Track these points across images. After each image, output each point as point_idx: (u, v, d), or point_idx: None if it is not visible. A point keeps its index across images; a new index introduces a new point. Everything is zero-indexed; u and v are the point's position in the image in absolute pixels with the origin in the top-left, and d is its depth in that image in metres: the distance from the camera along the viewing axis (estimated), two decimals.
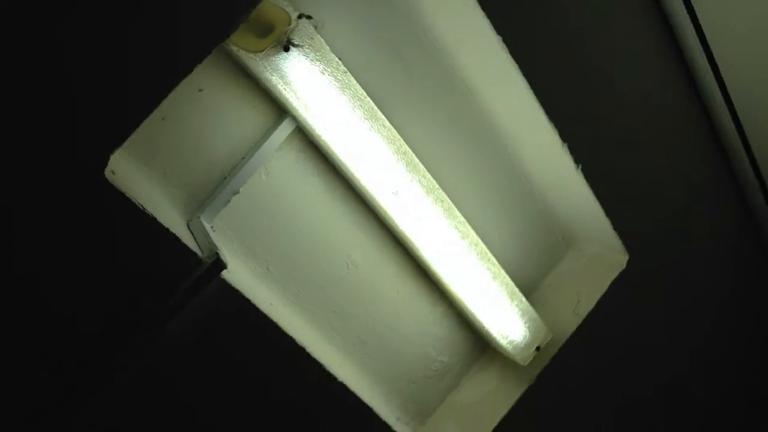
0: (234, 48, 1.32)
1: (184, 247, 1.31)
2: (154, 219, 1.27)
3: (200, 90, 1.42)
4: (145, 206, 1.25)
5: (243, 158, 1.50)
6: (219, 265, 1.32)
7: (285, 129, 1.50)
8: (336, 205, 1.66)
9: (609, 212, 1.88)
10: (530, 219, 2.03)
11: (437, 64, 1.72)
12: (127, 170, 1.36)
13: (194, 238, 1.40)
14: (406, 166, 1.51)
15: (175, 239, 1.29)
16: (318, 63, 1.34)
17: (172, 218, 1.38)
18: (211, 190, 1.49)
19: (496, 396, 1.94)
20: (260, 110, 1.50)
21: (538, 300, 2.07)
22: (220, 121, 1.47)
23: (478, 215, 1.90)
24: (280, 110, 1.51)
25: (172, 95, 1.35)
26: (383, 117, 1.46)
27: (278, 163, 1.56)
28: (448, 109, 1.77)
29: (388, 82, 1.65)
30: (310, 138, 1.54)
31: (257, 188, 1.55)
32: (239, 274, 1.53)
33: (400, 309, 1.86)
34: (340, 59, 1.37)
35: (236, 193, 1.49)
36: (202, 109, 1.44)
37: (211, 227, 1.48)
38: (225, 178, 1.49)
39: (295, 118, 1.49)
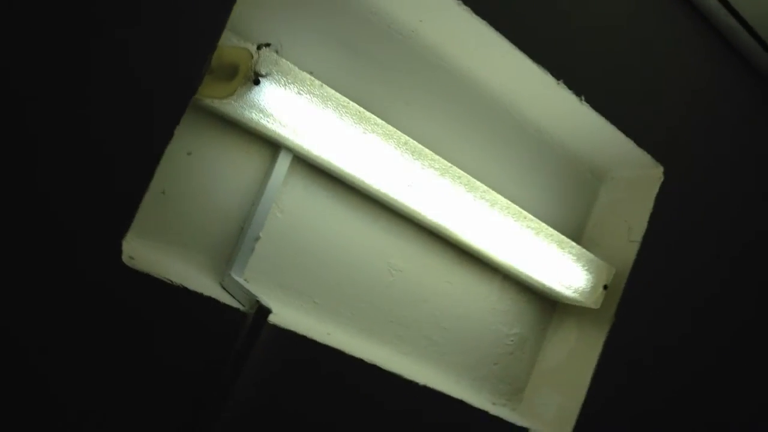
0: (207, 100, 1.31)
1: (225, 307, 1.29)
2: (186, 289, 1.25)
3: (189, 153, 1.41)
4: (172, 280, 1.24)
5: (253, 204, 1.48)
6: (263, 311, 1.30)
7: (283, 162, 1.48)
8: (358, 217, 1.64)
9: (627, 131, 1.84)
10: (553, 167, 1.99)
11: (410, 51, 1.70)
12: (145, 252, 1.35)
13: (232, 296, 1.38)
14: (412, 155, 1.48)
15: (212, 301, 1.28)
16: (291, 85, 1.32)
17: (203, 284, 1.37)
18: (234, 245, 1.47)
19: (582, 348, 1.90)
20: (254, 152, 1.49)
21: (589, 242, 2.03)
22: (219, 176, 1.46)
23: (502, 180, 1.86)
24: (273, 145, 1.49)
25: (164, 167, 1.36)
26: (372, 116, 1.43)
27: (289, 197, 1.54)
28: (435, 89, 1.74)
29: (367, 82, 1.63)
30: (311, 162, 1.52)
31: (277, 228, 1.53)
32: (288, 317, 1.51)
33: (457, 297, 1.82)
34: (311, 73, 1.34)
35: (258, 239, 1.47)
36: (197, 171, 1.43)
37: (245, 279, 1.46)
38: (242, 228, 1.47)
39: (289, 148, 1.47)
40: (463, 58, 1.72)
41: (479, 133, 1.83)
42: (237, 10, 1.30)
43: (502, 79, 1.77)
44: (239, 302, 1.35)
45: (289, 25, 1.50)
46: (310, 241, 1.58)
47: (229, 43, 1.32)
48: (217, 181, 1.45)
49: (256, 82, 1.28)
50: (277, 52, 1.30)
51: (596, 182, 2.09)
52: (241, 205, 1.48)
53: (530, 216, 1.68)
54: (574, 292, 1.80)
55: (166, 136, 1.21)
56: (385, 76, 1.65)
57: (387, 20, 1.64)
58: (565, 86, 1.70)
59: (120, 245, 1.18)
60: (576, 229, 2.05)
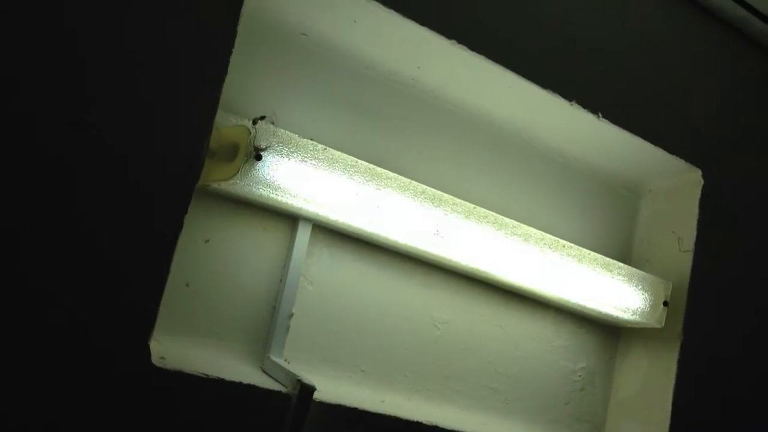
0: (214, 184, 1.29)
1: (266, 392, 1.25)
2: (222, 380, 1.21)
3: (206, 241, 1.39)
4: (208, 373, 1.20)
5: (280, 281, 1.44)
6: (306, 389, 1.25)
7: (304, 233, 1.45)
8: (392, 276, 1.59)
9: (654, 140, 1.78)
10: (586, 190, 1.92)
11: (414, 99, 1.67)
12: (178, 349, 1.32)
13: (275, 379, 1.34)
14: (432, 202, 1.44)
15: (252, 389, 1.23)
16: (294, 154, 1.30)
17: (243, 372, 1.33)
18: (268, 326, 1.43)
19: (656, 371, 1.80)
20: (272, 228, 1.46)
21: (640, 259, 1.95)
22: (241, 258, 1.43)
23: (534, 213, 1.80)
24: (290, 218, 1.46)
25: (183, 258, 1.34)
26: (384, 170, 1.40)
27: (316, 268, 1.50)
28: (447, 132, 1.71)
29: (375, 138, 1.60)
30: (331, 228, 1.48)
31: (309, 301, 1.49)
32: (337, 391, 1.45)
33: (510, 339, 1.75)
34: (311, 139, 1.32)
35: (291, 315, 1.43)
36: (218, 257, 1.40)
37: (285, 360, 1.41)
38: (274, 308, 1.43)
39: (307, 218, 1.44)
40: (469, 95, 1.69)
41: (501, 169, 1.78)
42: (228, 87, 1.30)
43: (512, 111, 1.73)
44: (282, 385, 1.30)
45: (284, 92, 1.49)
46: (346, 309, 1.53)
47: (227, 123, 1.31)
48: (239, 264, 1.42)
49: (258, 158, 1.26)
50: (273, 123, 1.28)
51: (634, 198, 2.01)
52: (268, 285, 1.45)
53: (569, 244, 1.61)
54: (633, 315, 1.71)
55: (176, 229, 1.19)
56: (393, 129, 1.63)
57: (385, 73, 1.62)
58: (579, 106, 1.65)
59: (148, 348, 1.15)
60: (623, 249, 1.96)
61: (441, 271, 1.65)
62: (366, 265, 1.56)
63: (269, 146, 1.27)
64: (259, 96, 1.46)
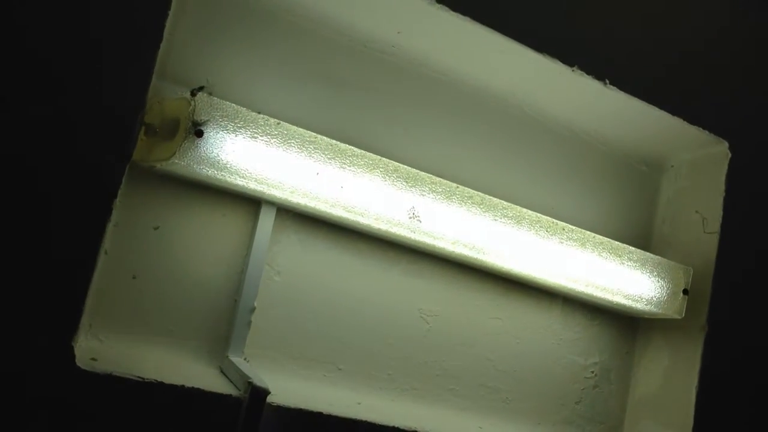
0: (158, 165, 1.16)
1: (214, 396, 1.11)
2: (160, 383, 1.08)
3: (156, 228, 1.26)
4: (144, 376, 1.07)
5: (242, 271, 1.31)
6: (258, 393, 1.12)
7: (267, 218, 1.32)
8: (373, 264, 1.45)
9: (673, 109, 1.60)
10: (599, 167, 1.75)
11: (395, 68, 1.52)
12: (121, 349, 1.20)
13: (231, 381, 1.20)
14: (406, 182, 1.28)
15: (195, 393, 1.10)
16: (242, 129, 1.16)
17: (195, 373, 1.20)
18: (229, 321, 1.30)
19: (678, 366, 1.64)
20: (231, 213, 1.33)
21: (661, 242, 1.78)
22: (197, 247, 1.30)
23: (538, 194, 1.64)
24: (253, 202, 1.33)
25: (129, 247, 1.22)
26: (349, 147, 1.25)
27: (284, 257, 1.37)
28: (434, 105, 1.56)
29: (353, 114, 1.45)
30: (297, 211, 1.34)
31: (275, 293, 1.35)
32: (307, 392, 1.32)
33: (511, 333, 1.59)
34: (259, 113, 1.18)
35: (253, 310, 1.30)
36: (170, 245, 1.28)
37: (245, 359, 1.28)
38: (236, 301, 1.30)
39: (270, 202, 1.30)
40: (458, 63, 1.52)
41: (499, 145, 1.61)
42: (179, 57, 1.17)
43: (508, 79, 1.56)
44: (237, 388, 1.17)
45: (243, 62, 1.35)
46: (320, 301, 1.39)
47: (175, 95, 1.18)
48: (195, 253, 1.29)
49: (199, 134, 1.12)
50: (210, 93, 1.14)
51: (654, 174, 1.83)
52: (228, 275, 1.31)
53: (569, 226, 1.45)
54: (647, 304, 1.53)
55: (104, 214, 1.06)
56: (372, 103, 1.47)
57: (360, 39, 1.46)
58: (582, 72, 1.48)
59: (71, 348, 1.03)
60: (642, 231, 1.79)
61: (429, 259, 1.49)
62: (341, 252, 1.41)
63: (207, 119, 1.13)
64: (215, 67, 1.32)
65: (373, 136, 1.45)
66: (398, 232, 1.31)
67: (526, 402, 1.60)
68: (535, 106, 1.64)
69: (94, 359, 1.08)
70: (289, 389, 1.29)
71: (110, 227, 1.18)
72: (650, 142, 1.74)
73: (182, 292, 1.28)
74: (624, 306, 1.56)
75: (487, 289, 1.56)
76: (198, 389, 1.11)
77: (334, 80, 1.44)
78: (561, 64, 1.46)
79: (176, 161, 1.13)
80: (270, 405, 1.15)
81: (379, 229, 1.32)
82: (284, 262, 1.36)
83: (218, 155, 1.15)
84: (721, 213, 1.62)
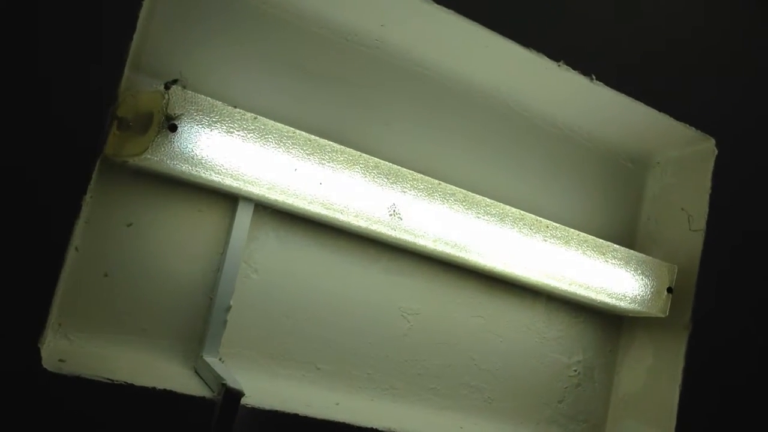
0: (131, 160, 1.12)
1: (186, 398, 1.08)
2: (131, 385, 1.05)
3: (129, 225, 1.23)
4: (114, 378, 1.04)
5: (218, 269, 1.27)
6: (232, 395, 1.09)
7: (244, 214, 1.28)
8: (352, 262, 1.42)
9: (660, 105, 1.58)
10: (583, 164, 1.73)
11: (378, 62, 1.49)
12: (91, 349, 1.17)
13: (204, 382, 1.18)
14: (387, 178, 1.25)
15: (167, 395, 1.07)
16: (218, 124, 1.13)
17: (167, 374, 1.17)
18: (204, 320, 1.27)
19: (662, 365, 1.62)
20: (207, 209, 1.29)
21: (647, 240, 1.75)
22: (171, 244, 1.27)
23: (523, 191, 1.62)
24: (231, 198, 1.29)
25: (102, 243, 1.19)
26: (328, 142, 1.22)
27: (261, 254, 1.33)
28: (417, 100, 1.53)
29: (333, 109, 1.42)
30: (276, 207, 1.31)
31: (253, 291, 1.32)
32: (284, 392, 1.29)
33: (494, 331, 1.57)
34: (235, 107, 1.14)
35: (229, 308, 1.26)
36: (143, 242, 1.24)
37: (219, 359, 1.25)
38: (211, 299, 1.27)
39: (247, 198, 1.27)
40: (442, 57, 1.49)
41: (482, 142, 1.58)
42: (154, 49, 1.13)
43: (493, 74, 1.53)
44: (211, 389, 1.14)
45: (221, 56, 1.31)
46: (298, 299, 1.36)
47: (150, 88, 1.14)
48: (169, 250, 1.26)
49: (172, 128, 1.09)
50: (184, 87, 1.10)
51: (640, 171, 1.81)
52: (204, 273, 1.28)
53: (553, 224, 1.42)
54: (631, 303, 1.51)
55: (73, 211, 1.03)
56: (354, 98, 1.44)
57: (343, 32, 1.43)
58: (568, 67, 1.45)
59: (37, 349, 0.99)
60: (627, 229, 1.77)
61: (409, 256, 1.47)
62: (320, 249, 1.38)
63: (181, 114, 1.09)
64: (191, 59, 1.28)
65: (354, 132, 1.42)
66: (379, 230, 1.28)
67: (509, 401, 1.57)
68: (520, 102, 1.62)
69: (62, 360, 1.05)
70: (267, 390, 1.27)
71: (81, 224, 1.15)
72: (636, 139, 1.72)
73: (156, 290, 1.24)
74: (608, 305, 1.54)
75: (469, 287, 1.53)
76: (170, 391, 1.08)
77: (314, 74, 1.40)
78: (547, 59, 1.43)
79: (149, 156, 1.09)
80: (244, 407, 1.12)
81: (359, 226, 1.29)
82: (262, 260, 1.33)
83: (193, 150, 1.12)
84: (707, 210, 1.60)
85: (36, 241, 1.00)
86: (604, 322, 1.71)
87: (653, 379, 1.62)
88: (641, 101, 1.54)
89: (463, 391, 1.52)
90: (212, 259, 1.29)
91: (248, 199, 1.27)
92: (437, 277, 1.50)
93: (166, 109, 1.09)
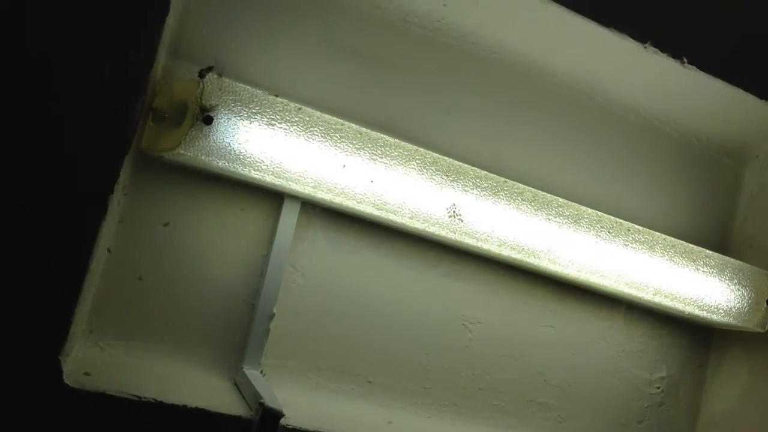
0: (165, 155, 1.03)
1: (219, 417, 0.99)
2: (160, 403, 0.96)
3: (166, 224, 1.14)
4: (142, 395, 0.95)
5: (261, 273, 1.17)
6: (270, 415, 0.99)
7: (290, 214, 1.18)
8: (409, 266, 1.30)
9: (761, 92, 1.43)
10: (670, 157, 1.57)
11: (440, 45, 1.35)
12: (121, 359, 1.08)
13: (243, 398, 1.08)
14: (447, 175, 1.13)
15: (199, 414, 0.98)
16: (258, 115, 1.02)
17: (206, 387, 1.08)
18: (246, 328, 1.17)
19: (757, 384, 1.47)
20: (250, 207, 1.19)
21: (741, 245, 1.60)
22: (212, 245, 1.17)
23: (601, 189, 1.48)
24: (275, 196, 1.19)
25: (136, 244, 1.10)
26: (381, 135, 1.11)
27: (309, 257, 1.23)
28: (482, 88, 1.39)
29: (389, 97, 1.30)
30: (325, 206, 1.20)
31: (299, 297, 1.22)
32: (332, 408, 1.19)
33: (566, 343, 1.44)
34: (277, 96, 1.03)
35: (272, 317, 1.16)
36: (181, 243, 1.15)
37: (261, 372, 1.15)
38: (253, 306, 1.17)
39: (294, 196, 1.16)
40: (511, 39, 1.36)
41: (556, 133, 1.44)
42: (191, 30, 1.04)
43: (570, 58, 1.40)
44: (249, 406, 1.04)
45: (266, 39, 1.20)
46: (349, 307, 1.25)
47: (189, 77, 1.05)
48: (208, 253, 1.16)
49: (207, 120, 0.99)
50: (220, 75, 1.00)
51: (737, 166, 1.64)
52: (246, 277, 1.18)
53: (635, 227, 1.28)
54: (725, 316, 1.36)
55: (99, 210, 0.94)
56: (411, 85, 1.31)
57: (401, 13, 1.30)
58: (656, 50, 1.30)
59: (57, 362, 0.91)
60: (721, 231, 1.61)
61: (473, 261, 1.34)
62: (374, 252, 1.27)
63: (220, 105, 0.99)
64: (231, 44, 1.18)
65: (411, 123, 1.29)
66: (437, 232, 1.16)
67: (582, 420, 1.44)
68: (600, 89, 1.46)
69: (87, 374, 0.97)
70: (312, 406, 1.17)
71: (114, 223, 1.07)
72: (732, 129, 1.56)
73: (194, 296, 1.15)
74: (698, 317, 1.39)
75: (538, 295, 1.40)
76: (202, 410, 0.99)
77: (365, 59, 1.28)
78: (631, 40, 1.30)
79: (182, 151, 1.00)
80: (285, 428, 1.02)
81: (415, 228, 1.17)
82: (309, 263, 1.22)
83: (230, 145, 1.02)
84: None
85: (59, 241, 0.92)
86: (692, 334, 1.55)
87: (747, 401, 1.48)
88: (738, 87, 1.40)
89: (531, 409, 1.39)
90: (255, 263, 1.19)
91: (294, 197, 1.16)
92: (503, 283, 1.36)
93: (201, 99, 0.99)
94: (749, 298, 1.37)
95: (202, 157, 1.02)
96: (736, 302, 1.36)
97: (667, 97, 1.47)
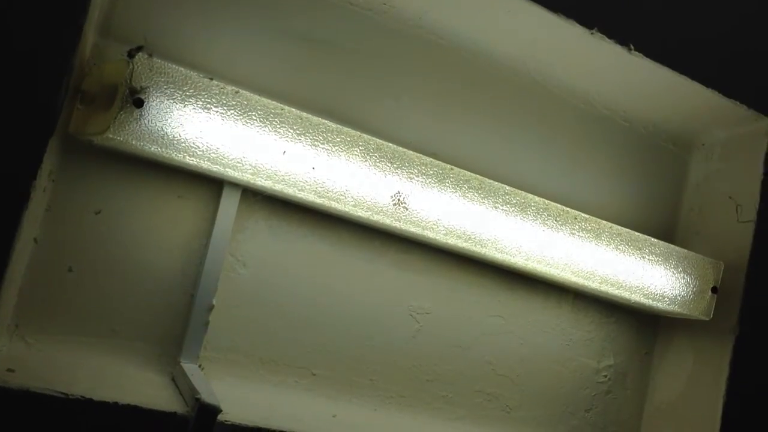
0: (94, 140, 0.98)
1: (153, 414, 0.95)
2: (89, 400, 0.91)
3: (98, 212, 1.08)
4: (68, 392, 0.90)
5: (200, 263, 1.13)
6: (207, 411, 0.95)
7: (230, 202, 1.14)
8: (355, 255, 1.28)
9: (707, 80, 1.42)
10: (617, 145, 1.59)
11: (386, 29, 1.34)
12: (50, 354, 1.03)
13: (180, 393, 1.04)
14: (392, 162, 1.10)
15: (131, 411, 0.93)
16: (193, 98, 0.98)
17: (142, 383, 1.04)
18: (184, 320, 1.13)
19: (703, 372, 1.50)
20: (188, 194, 1.15)
21: (687, 232, 1.62)
22: (147, 234, 1.13)
23: (549, 177, 1.48)
24: (215, 183, 1.14)
25: (66, 233, 1.05)
26: (323, 121, 1.07)
27: (250, 246, 1.20)
28: (429, 72, 1.38)
29: (334, 82, 1.27)
30: (265, 193, 1.16)
31: (240, 288, 1.18)
32: (276, 400, 1.15)
33: (514, 333, 1.44)
34: (212, 79, 0.99)
35: (211, 308, 1.12)
36: (114, 232, 1.10)
37: (199, 366, 1.11)
38: (192, 297, 1.12)
39: (234, 183, 1.12)
40: (458, 24, 1.34)
41: (502, 119, 1.44)
42: (122, 8, 0.99)
43: (517, 44, 1.38)
44: (186, 402, 1.00)
45: (206, 20, 1.16)
46: (293, 297, 1.23)
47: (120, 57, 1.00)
48: (144, 241, 1.12)
49: (137, 103, 0.94)
50: (150, 55, 0.95)
51: (683, 154, 1.66)
52: (184, 268, 1.14)
53: (582, 215, 1.28)
54: (670, 304, 1.37)
55: (21, 200, 0.89)
56: (357, 69, 1.29)
57: None
58: (603, 36, 1.30)
59: None
60: (667, 219, 1.64)
61: (420, 250, 1.32)
62: (319, 241, 1.24)
63: (151, 87, 0.94)
64: (164, 22, 1.13)
65: (355, 109, 1.27)
66: (381, 221, 1.14)
67: (530, 410, 1.44)
68: (546, 75, 1.46)
69: (11, 370, 0.92)
70: (254, 399, 1.14)
71: (41, 212, 1.02)
72: (679, 118, 1.57)
73: (128, 287, 1.11)
74: (644, 305, 1.39)
75: (486, 284, 1.39)
76: (135, 406, 0.94)
77: (308, 41, 1.25)
78: (578, 26, 1.28)
79: (112, 135, 0.95)
80: (223, 424, 0.98)
81: (359, 216, 1.14)
82: (251, 252, 1.19)
83: (163, 129, 0.97)
84: (758, 199, 1.47)
85: None
86: (639, 322, 1.57)
87: (693, 388, 1.50)
88: (685, 75, 1.40)
89: (479, 399, 1.39)
90: (194, 252, 1.15)
91: (234, 184, 1.12)
92: (450, 272, 1.35)
93: (131, 80, 0.94)
94: (694, 286, 1.38)
95: (133, 142, 0.97)
96: (681, 290, 1.37)
97: (615, 85, 1.48)
